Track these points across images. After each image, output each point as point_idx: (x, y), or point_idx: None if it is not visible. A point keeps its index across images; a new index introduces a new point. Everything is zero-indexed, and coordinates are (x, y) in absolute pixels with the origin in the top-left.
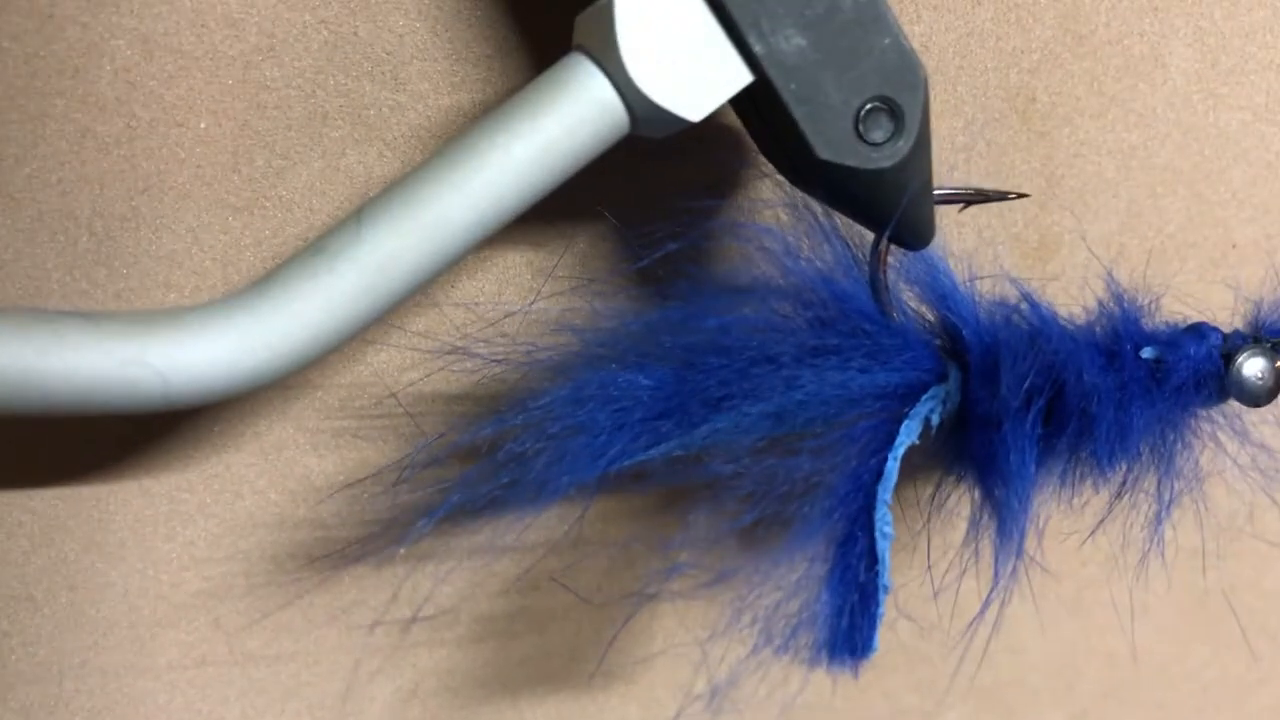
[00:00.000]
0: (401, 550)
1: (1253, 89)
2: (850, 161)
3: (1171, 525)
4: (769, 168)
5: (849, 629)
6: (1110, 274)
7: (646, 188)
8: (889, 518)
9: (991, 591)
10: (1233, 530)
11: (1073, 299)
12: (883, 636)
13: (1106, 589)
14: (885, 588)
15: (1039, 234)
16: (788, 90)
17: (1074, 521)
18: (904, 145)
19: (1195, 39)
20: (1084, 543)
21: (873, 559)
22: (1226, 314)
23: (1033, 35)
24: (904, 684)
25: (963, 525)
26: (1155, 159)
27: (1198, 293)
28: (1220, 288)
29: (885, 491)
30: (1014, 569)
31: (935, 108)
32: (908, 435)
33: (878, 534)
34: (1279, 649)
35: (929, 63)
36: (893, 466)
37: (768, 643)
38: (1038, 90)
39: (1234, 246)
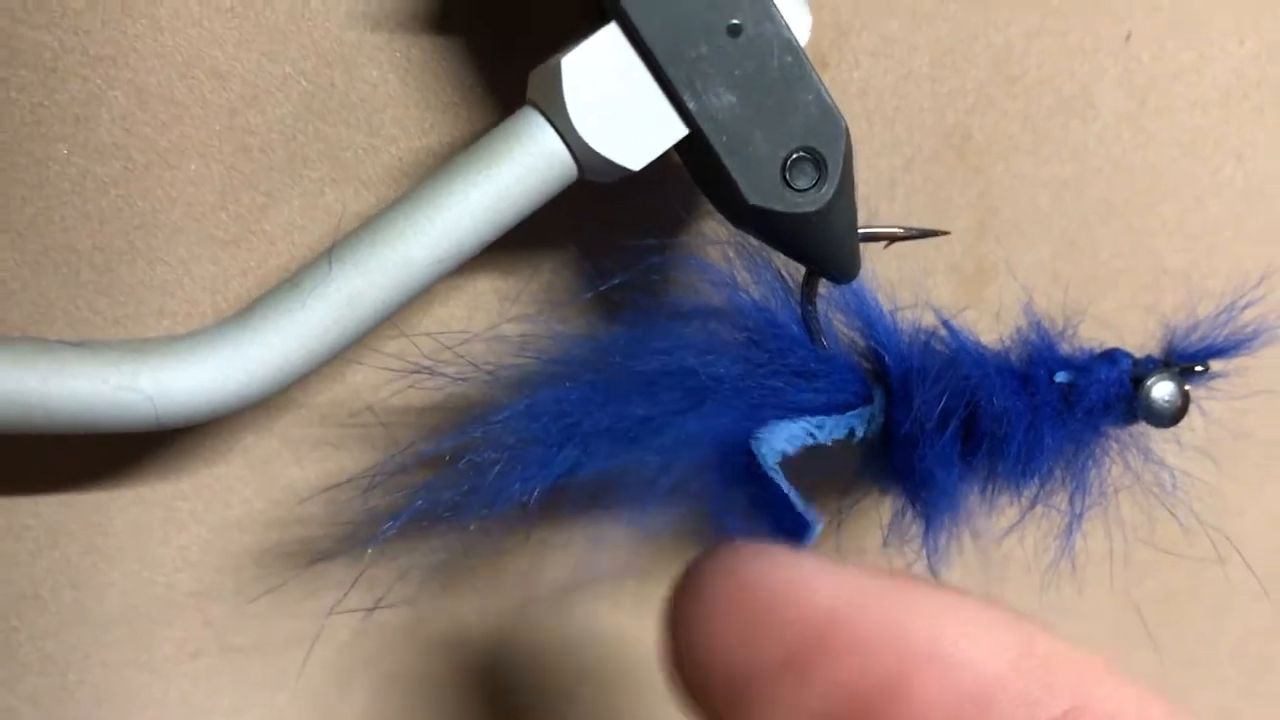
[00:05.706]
0: (369, 550)
1: (1180, 127)
2: (778, 206)
3: (1122, 535)
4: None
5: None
6: (1029, 303)
7: (609, 225)
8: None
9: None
10: (1171, 543)
11: (1006, 326)
12: None
13: (1053, 595)
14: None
15: (975, 263)
16: (719, 142)
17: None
18: (827, 191)
19: (1124, 79)
20: (997, 549)
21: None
22: (1155, 340)
23: (967, 77)
24: None
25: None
26: (1088, 192)
27: (1130, 319)
28: (1152, 314)
29: (769, 441)
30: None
31: (875, 146)
32: (826, 435)
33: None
34: (1216, 654)
35: (868, 104)
36: (790, 432)
37: None
38: (973, 128)
39: (1165, 273)
